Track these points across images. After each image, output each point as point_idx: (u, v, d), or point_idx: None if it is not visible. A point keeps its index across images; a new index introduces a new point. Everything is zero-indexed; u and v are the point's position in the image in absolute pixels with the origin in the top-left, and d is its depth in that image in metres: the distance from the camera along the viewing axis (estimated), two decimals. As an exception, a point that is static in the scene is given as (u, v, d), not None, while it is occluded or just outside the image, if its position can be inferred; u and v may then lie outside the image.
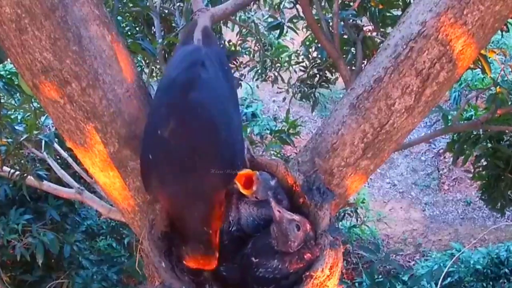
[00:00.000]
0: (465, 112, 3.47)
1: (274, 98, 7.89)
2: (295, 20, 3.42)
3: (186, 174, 1.12)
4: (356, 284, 4.92)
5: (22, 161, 3.25)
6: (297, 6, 3.22)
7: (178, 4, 3.36)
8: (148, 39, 2.96)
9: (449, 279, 4.71)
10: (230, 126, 1.18)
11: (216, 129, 1.14)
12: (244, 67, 4.57)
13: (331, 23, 2.52)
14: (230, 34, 4.55)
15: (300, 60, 4.22)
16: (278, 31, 3.44)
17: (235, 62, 4.03)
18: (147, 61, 3.67)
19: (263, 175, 1.26)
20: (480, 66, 2.52)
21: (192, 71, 1.17)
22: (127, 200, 1.37)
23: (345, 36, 2.77)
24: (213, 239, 1.17)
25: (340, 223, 5.43)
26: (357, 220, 5.46)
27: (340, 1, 2.49)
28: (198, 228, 1.14)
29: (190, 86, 1.14)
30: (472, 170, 3.13)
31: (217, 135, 1.14)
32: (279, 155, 4.01)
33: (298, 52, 4.25)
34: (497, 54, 2.79)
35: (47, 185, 3.22)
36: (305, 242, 1.18)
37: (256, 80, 4.63)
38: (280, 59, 4.39)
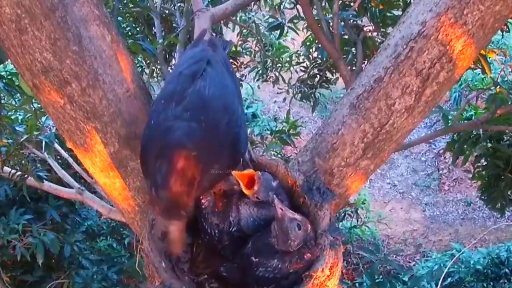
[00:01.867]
0: (465, 112, 3.48)
1: (274, 98, 7.90)
2: (295, 21, 3.42)
3: None
4: (357, 284, 4.91)
5: (23, 162, 3.25)
6: (298, 6, 3.22)
7: (178, 4, 3.36)
8: (148, 39, 2.96)
9: (449, 279, 4.72)
10: (234, 112, 1.18)
11: (220, 113, 1.14)
12: (245, 68, 4.58)
13: (331, 24, 2.52)
14: (230, 35, 4.56)
15: (301, 60, 4.22)
16: (278, 32, 3.44)
17: (235, 63, 4.03)
18: (148, 62, 3.68)
19: (265, 176, 1.26)
20: (480, 66, 2.52)
21: (198, 65, 1.18)
22: (127, 200, 1.37)
23: (346, 37, 2.78)
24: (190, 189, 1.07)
25: (341, 223, 5.42)
26: (357, 220, 5.46)
27: (340, 2, 2.50)
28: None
29: (196, 76, 1.15)
30: (472, 170, 3.13)
31: (221, 119, 1.14)
32: (279, 155, 4.01)
33: (299, 52, 4.26)
34: (497, 54, 2.79)
35: (48, 185, 3.22)
36: (305, 242, 1.18)
37: (257, 80, 4.63)
38: (280, 59, 4.39)
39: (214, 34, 3.60)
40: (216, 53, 1.27)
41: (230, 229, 1.26)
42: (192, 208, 1.11)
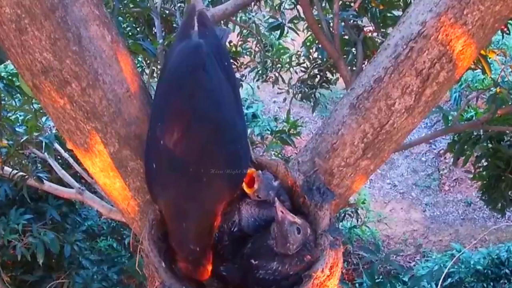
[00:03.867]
0: (465, 113, 3.48)
1: (274, 98, 7.90)
2: (295, 21, 3.42)
3: (191, 184, 1.11)
4: (357, 284, 4.91)
5: (23, 162, 3.25)
6: (298, 6, 3.22)
7: (178, 4, 3.36)
8: (149, 39, 2.96)
9: (449, 279, 4.72)
10: (235, 133, 1.18)
11: (221, 139, 1.13)
12: (245, 68, 4.58)
13: (331, 24, 2.52)
14: (231, 35, 4.55)
15: (301, 60, 4.22)
16: (278, 32, 3.44)
17: (236, 63, 4.02)
18: (148, 62, 3.67)
19: (266, 175, 1.26)
20: (480, 67, 2.52)
21: (195, 77, 1.13)
22: (127, 200, 1.37)
23: (346, 37, 2.78)
24: (202, 256, 1.17)
25: (341, 223, 5.42)
26: (357, 220, 5.46)
27: (340, 2, 2.50)
28: (188, 246, 1.15)
29: (194, 95, 1.12)
30: (473, 171, 3.13)
31: (222, 145, 1.13)
32: (279, 155, 4.01)
33: (299, 52, 4.26)
34: (497, 54, 2.80)
35: (48, 185, 3.22)
36: (305, 244, 1.18)
37: (257, 80, 4.63)
38: (280, 59, 4.39)
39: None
40: (208, 43, 1.20)
41: (232, 229, 1.26)
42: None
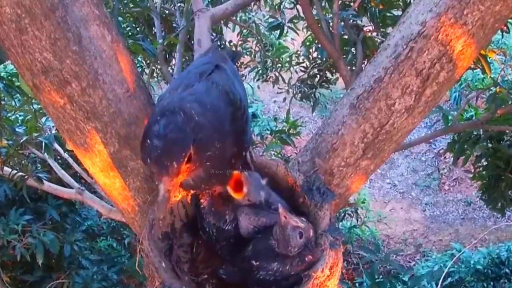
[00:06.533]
0: (465, 113, 3.48)
1: (274, 98, 7.90)
2: (295, 21, 3.42)
3: None
4: (357, 284, 4.91)
5: (23, 162, 3.25)
6: (297, 6, 3.22)
7: (178, 4, 3.36)
8: (148, 39, 2.96)
9: (449, 279, 4.71)
10: (241, 108, 1.18)
11: (226, 104, 1.14)
12: (245, 68, 4.58)
13: (331, 24, 2.52)
14: (230, 35, 4.56)
15: (301, 60, 4.22)
16: (278, 32, 3.45)
17: (236, 63, 4.02)
18: (148, 62, 3.68)
19: (253, 175, 1.23)
20: (480, 66, 2.52)
21: (207, 66, 1.21)
22: (127, 200, 1.37)
23: (345, 37, 2.77)
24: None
25: (341, 223, 5.42)
26: (357, 220, 5.46)
27: (340, 1, 2.49)
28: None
29: (204, 73, 1.17)
30: (473, 170, 3.13)
31: (227, 107, 1.13)
32: (279, 155, 4.01)
33: (299, 52, 4.26)
34: (497, 54, 2.80)
35: (48, 185, 3.22)
36: (306, 245, 1.18)
37: (257, 80, 4.63)
38: (280, 59, 4.39)
39: (214, 34, 3.61)
40: (225, 62, 1.29)
41: (225, 227, 1.25)
42: (183, 178, 1.05)
